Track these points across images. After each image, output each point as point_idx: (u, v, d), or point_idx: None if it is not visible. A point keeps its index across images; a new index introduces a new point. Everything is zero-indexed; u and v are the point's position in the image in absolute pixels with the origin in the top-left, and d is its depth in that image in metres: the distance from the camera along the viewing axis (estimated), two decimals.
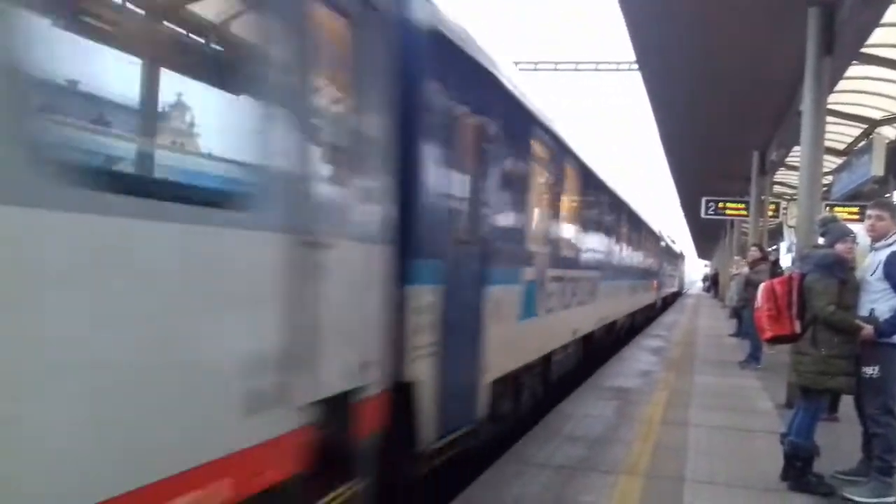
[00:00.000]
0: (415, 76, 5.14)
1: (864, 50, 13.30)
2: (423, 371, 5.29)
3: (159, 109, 3.51)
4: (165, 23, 3.61)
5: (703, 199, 26.75)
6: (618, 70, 26.97)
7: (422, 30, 5.20)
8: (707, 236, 58.25)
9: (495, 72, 6.98)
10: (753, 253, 14.79)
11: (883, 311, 5.87)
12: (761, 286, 6.49)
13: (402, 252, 4.93)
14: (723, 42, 13.27)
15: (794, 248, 21.71)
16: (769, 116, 17.98)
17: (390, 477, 4.90)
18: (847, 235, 6.28)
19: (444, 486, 6.05)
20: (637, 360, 14.66)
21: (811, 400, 6.23)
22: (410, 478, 5.38)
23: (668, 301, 42.39)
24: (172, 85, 3.58)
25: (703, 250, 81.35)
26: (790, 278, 6.29)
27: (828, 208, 21.54)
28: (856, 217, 19.80)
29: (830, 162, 20.54)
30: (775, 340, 6.49)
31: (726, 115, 18.52)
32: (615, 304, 17.17)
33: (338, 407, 4.06)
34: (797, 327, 6.11)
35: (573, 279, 11.43)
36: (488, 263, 6.75)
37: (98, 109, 3.15)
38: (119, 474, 2.52)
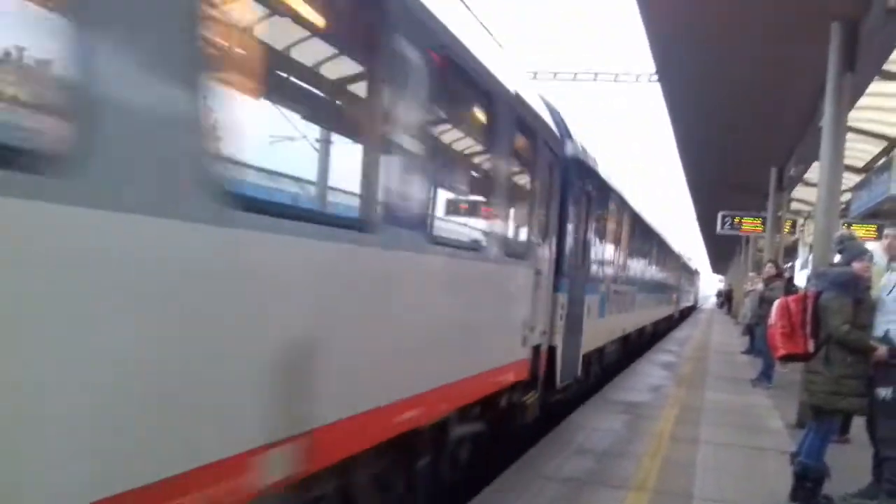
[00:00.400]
0: (566, 180, 9.31)
1: (886, 66, 13.19)
2: (560, 341, 9.09)
3: (536, 237, 8.10)
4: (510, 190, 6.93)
5: (720, 214, 26.59)
6: (637, 82, 26.87)
7: (570, 158, 9.58)
8: (722, 251, 57.92)
9: (597, 168, 11.84)
10: (769, 269, 14.68)
11: None
12: (776, 303, 6.43)
13: (554, 273, 8.82)
14: (743, 56, 13.19)
15: (809, 264, 21.58)
16: (788, 132, 17.85)
17: (545, 397, 8.82)
18: (864, 254, 6.21)
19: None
20: (648, 374, 14.59)
21: (823, 420, 6.16)
22: (552, 400, 9.37)
23: (685, 314, 46.09)
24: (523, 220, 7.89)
25: (718, 265, 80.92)
26: (805, 296, 6.23)
27: (845, 226, 21.38)
28: (873, 235, 19.62)
29: (849, 179, 20.37)
30: (788, 359, 6.42)
31: (745, 129, 18.41)
32: (646, 313, 22.42)
33: (533, 352, 7.93)
34: (811, 346, 6.05)
35: (623, 293, 16.14)
36: (586, 281, 11.12)
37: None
38: (484, 363, 6.26)
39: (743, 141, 19.72)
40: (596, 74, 27.67)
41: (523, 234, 7.74)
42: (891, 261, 6.17)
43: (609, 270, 14.08)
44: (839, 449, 7.68)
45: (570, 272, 9.55)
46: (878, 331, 5.94)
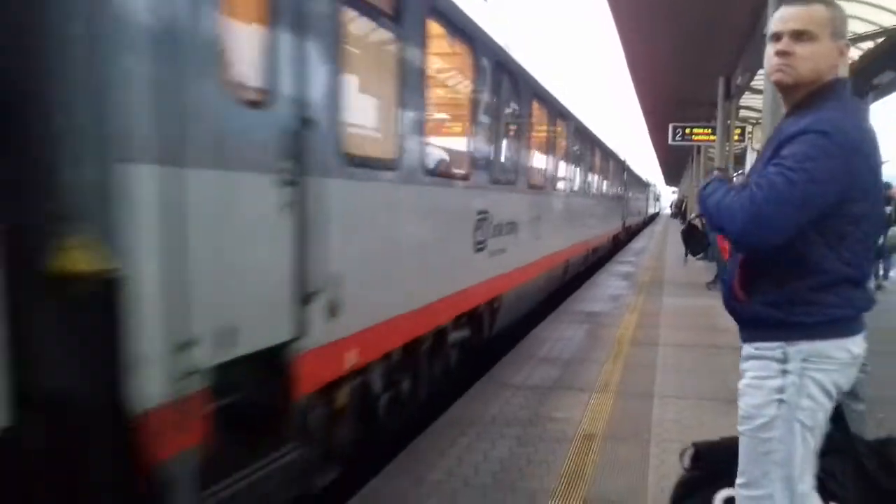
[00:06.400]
0: None
1: None
2: None
3: None
4: None
5: (671, 126, 26.90)
6: None
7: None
8: (675, 162, 58.65)
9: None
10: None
11: None
12: None
13: None
14: None
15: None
16: (734, 41, 18.02)
17: None
18: None
19: None
20: (608, 285, 15.00)
21: None
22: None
23: (648, 220, 60.21)
24: None
25: (671, 177, 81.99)
26: None
27: None
28: None
29: None
30: None
31: (692, 40, 18.53)
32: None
33: None
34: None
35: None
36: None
37: None
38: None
39: (690, 52, 19.84)
40: None
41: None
42: None
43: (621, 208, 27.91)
44: None
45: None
46: None
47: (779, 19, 2.48)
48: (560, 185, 13.30)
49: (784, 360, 2.51)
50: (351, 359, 4.50)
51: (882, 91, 22.51)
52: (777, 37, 2.49)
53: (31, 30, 2.61)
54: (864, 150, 2.40)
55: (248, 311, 3.44)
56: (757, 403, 2.55)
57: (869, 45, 18.57)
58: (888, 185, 13.34)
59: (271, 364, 3.69)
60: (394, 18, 5.20)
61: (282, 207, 3.66)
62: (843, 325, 2.51)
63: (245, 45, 3.56)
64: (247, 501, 3.41)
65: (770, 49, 2.52)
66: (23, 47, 2.60)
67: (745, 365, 2.71)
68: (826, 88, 2.48)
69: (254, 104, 3.53)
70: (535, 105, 10.48)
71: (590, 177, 18.05)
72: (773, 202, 2.31)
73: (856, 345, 2.53)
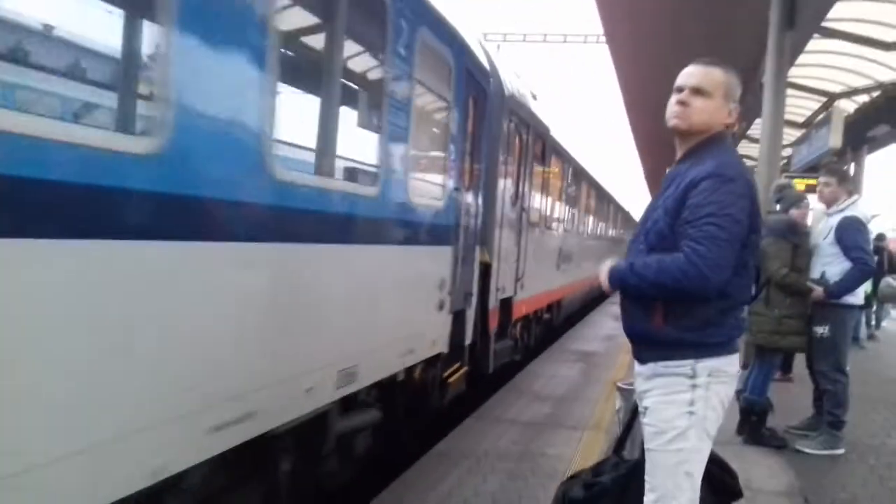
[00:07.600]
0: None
1: (824, 24, 13.61)
2: None
3: None
4: None
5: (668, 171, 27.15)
6: (585, 42, 27.14)
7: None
8: None
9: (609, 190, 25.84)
10: None
11: (834, 274, 6.16)
12: None
13: None
14: (688, 14, 13.48)
15: None
16: None
17: None
18: (801, 201, 6.57)
19: None
20: (602, 325, 15.02)
21: (765, 358, 6.55)
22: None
23: None
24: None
25: None
26: None
27: (787, 179, 21.97)
28: (814, 186, 20.09)
29: (790, 135, 20.94)
30: None
31: None
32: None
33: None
34: (752, 289, 6.40)
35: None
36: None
37: None
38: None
39: None
40: (545, 35, 27.86)
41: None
42: (826, 207, 6.50)
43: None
44: (783, 387, 8.14)
45: None
46: (815, 273, 6.30)
47: (684, 75, 2.94)
48: (590, 230, 19.94)
49: (693, 376, 2.76)
50: (522, 310, 9.78)
51: (876, 144, 22.81)
52: (679, 89, 2.93)
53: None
54: (754, 190, 2.86)
55: (506, 282, 8.52)
56: (667, 417, 2.77)
57: (864, 98, 18.86)
58: (881, 237, 13.48)
59: (506, 305, 8.80)
60: (541, 160, 11.07)
61: (517, 242, 9.05)
62: (734, 344, 2.87)
63: (518, 192, 9.19)
64: (499, 353, 8.50)
65: (673, 98, 2.93)
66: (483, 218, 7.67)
67: (649, 384, 2.89)
68: (715, 138, 2.92)
69: (514, 205, 8.96)
70: (583, 183, 17.23)
71: (607, 226, 24.96)
72: (715, 250, 2.63)
73: (737, 361, 2.91)
